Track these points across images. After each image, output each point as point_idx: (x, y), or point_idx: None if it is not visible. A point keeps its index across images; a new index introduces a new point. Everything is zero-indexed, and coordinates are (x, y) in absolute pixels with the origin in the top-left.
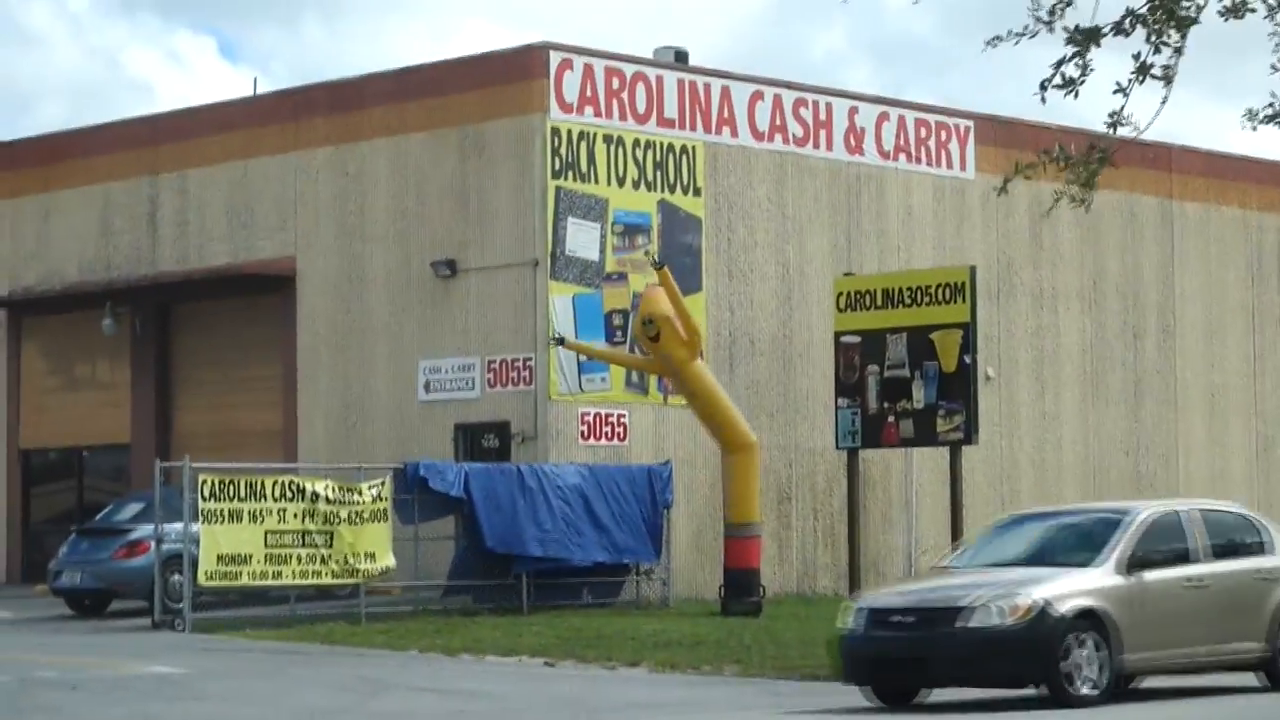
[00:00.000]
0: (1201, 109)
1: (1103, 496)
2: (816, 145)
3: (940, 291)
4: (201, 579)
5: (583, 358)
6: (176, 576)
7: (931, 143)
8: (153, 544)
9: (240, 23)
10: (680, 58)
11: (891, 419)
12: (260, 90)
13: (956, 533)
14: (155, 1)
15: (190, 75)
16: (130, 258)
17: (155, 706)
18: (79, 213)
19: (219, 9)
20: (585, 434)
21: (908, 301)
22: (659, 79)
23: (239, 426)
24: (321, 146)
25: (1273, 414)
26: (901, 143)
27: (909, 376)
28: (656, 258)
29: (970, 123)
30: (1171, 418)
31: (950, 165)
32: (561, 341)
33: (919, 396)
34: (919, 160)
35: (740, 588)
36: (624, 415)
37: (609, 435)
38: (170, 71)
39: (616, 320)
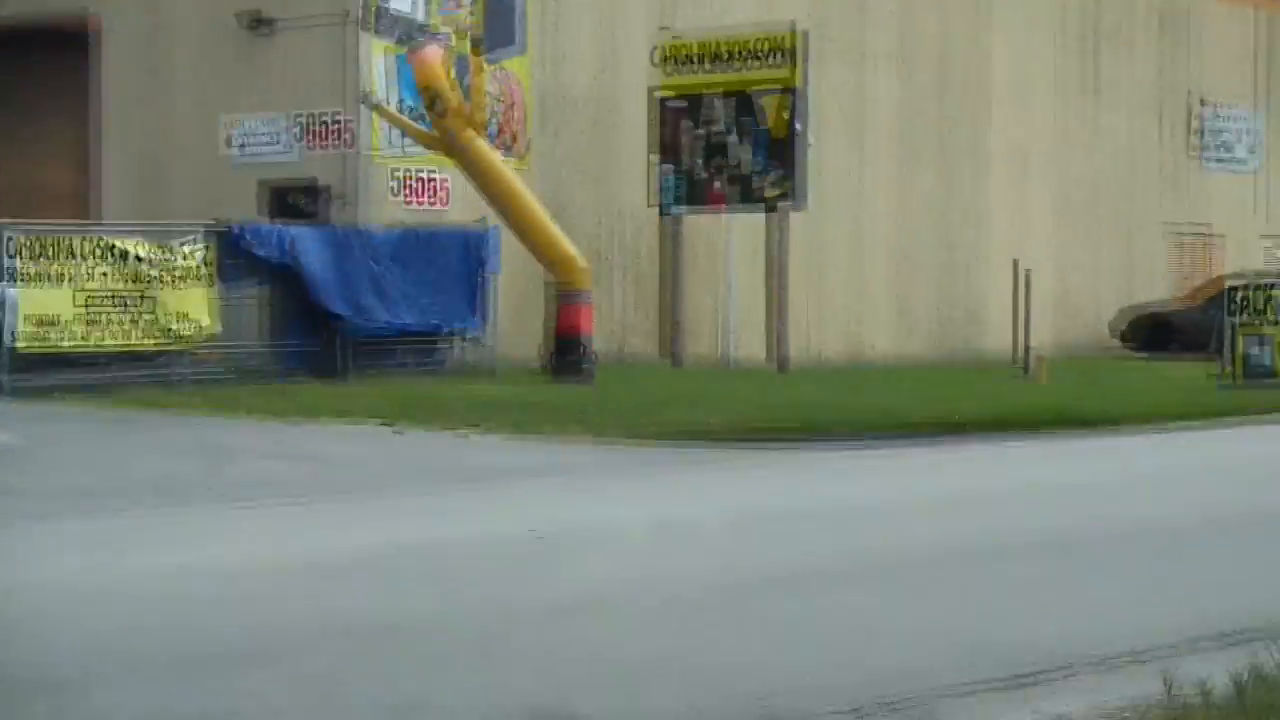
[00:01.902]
0: None
1: (914, 261)
2: None
3: (765, 51)
4: (17, 343)
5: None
6: None
7: None
8: None
9: None
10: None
11: (717, 182)
12: None
13: (781, 298)
14: None
15: None
16: None
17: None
18: None
19: None
20: (403, 196)
21: (731, 61)
22: None
23: (35, 186)
24: None
25: (1075, 180)
26: None
27: (733, 139)
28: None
29: None
30: (979, 180)
31: None
32: (372, 104)
33: (744, 159)
34: None
35: (567, 350)
36: (447, 179)
37: (428, 198)
38: None
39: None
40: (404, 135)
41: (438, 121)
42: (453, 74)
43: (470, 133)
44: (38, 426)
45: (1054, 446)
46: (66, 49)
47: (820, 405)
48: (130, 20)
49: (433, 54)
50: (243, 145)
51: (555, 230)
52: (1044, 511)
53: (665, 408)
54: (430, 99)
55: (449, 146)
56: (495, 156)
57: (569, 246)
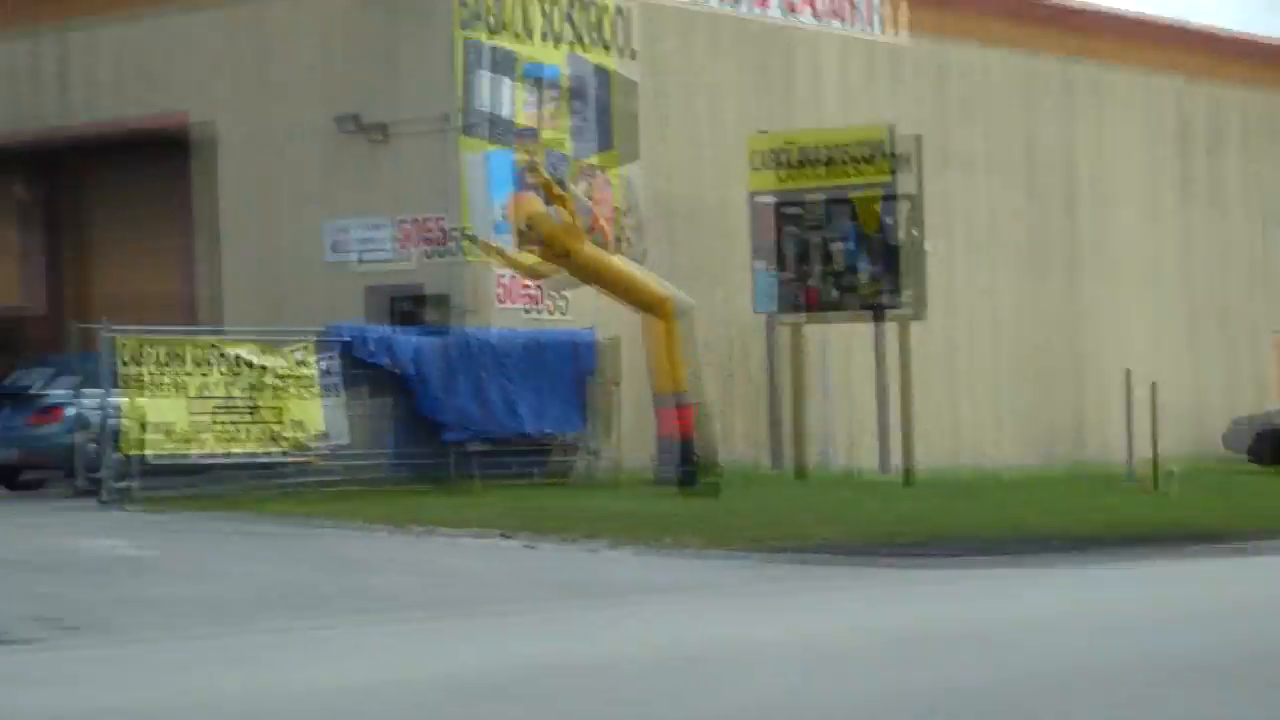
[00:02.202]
0: None
1: (1036, 370)
2: (739, 2)
3: (860, 150)
4: (125, 447)
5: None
6: (92, 445)
7: (862, 4)
8: (68, 410)
9: None
10: None
11: (812, 284)
12: None
13: (891, 407)
14: None
15: None
16: (27, 116)
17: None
18: None
19: None
20: (504, 298)
21: (826, 162)
22: None
23: (145, 292)
24: (227, 2)
25: (1201, 288)
26: (834, 4)
27: (830, 240)
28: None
29: None
30: (1100, 288)
31: (883, 28)
32: (473, 240)
33: (855, 266)
34: (851, 22)
35: (674, 457)
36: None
37: (529, 299)
38: None
39: (529, 177)
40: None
41: (545, 251)
42: (543, 206)
43: (580, 244)
44: (164, 536)
45: (1197, 565)
46: (178, 154)
47: (946, 517)
48: (238, 126)
49: (522, 199)
50: (351, 250)
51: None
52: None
53: (793, 521)
54: (533, 231)
55: (564, 264)
56: (605, 254)
57: (665, 289)
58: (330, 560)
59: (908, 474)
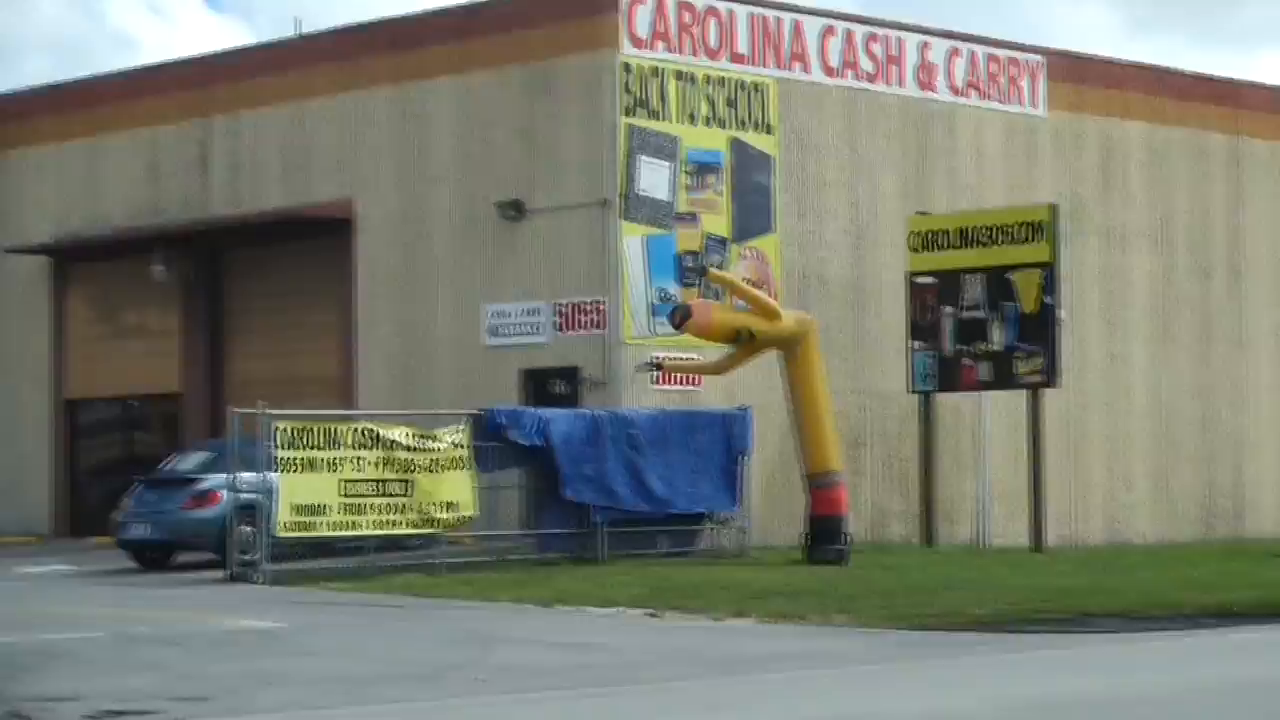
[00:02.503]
0: (1268, 45)
1: (1174, 441)
2: (888, 81)
3: (1020, 230)
4: (279, 530)
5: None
6: (247, 527)
7: (1003, 79)
8: (224, 494)
9: None
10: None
11: (969, 361)
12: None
13: (1037, 478)
14: None
15: (174, 26)
16: (181, 202)
17: (266, 663)
18: (126, 157)
19: None
20: (657, 379)
21: (985, 241)
22: (731, 13)
23: (295, 374)
24: (381, 86)
25: None
26: (973, 79)
27: (987, 318)
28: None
29: (1041, 58)
30: (1240, 359)
31: (1022, 102)
32: (658, 367)
33: (998, 338)
34: (990, 97)
35: (826, 536)
36: (696, 358)
37: (681, 380)
38: (153, 23)
39: (688, 262)
40: (652, 317)
41: (758, 343)
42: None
43: (778, 317)
44: (301, 613)
45: None
46: (330, 237)
47: (1085, 590)
48: (388, 207)
49: (702, 312)
50: (500, 331)
51: (829, 415)
52: None
53: (926, 593)
54: (749, 333)
55: (780, 347)
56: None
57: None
58: (467, 636)
59: (1040, 546)
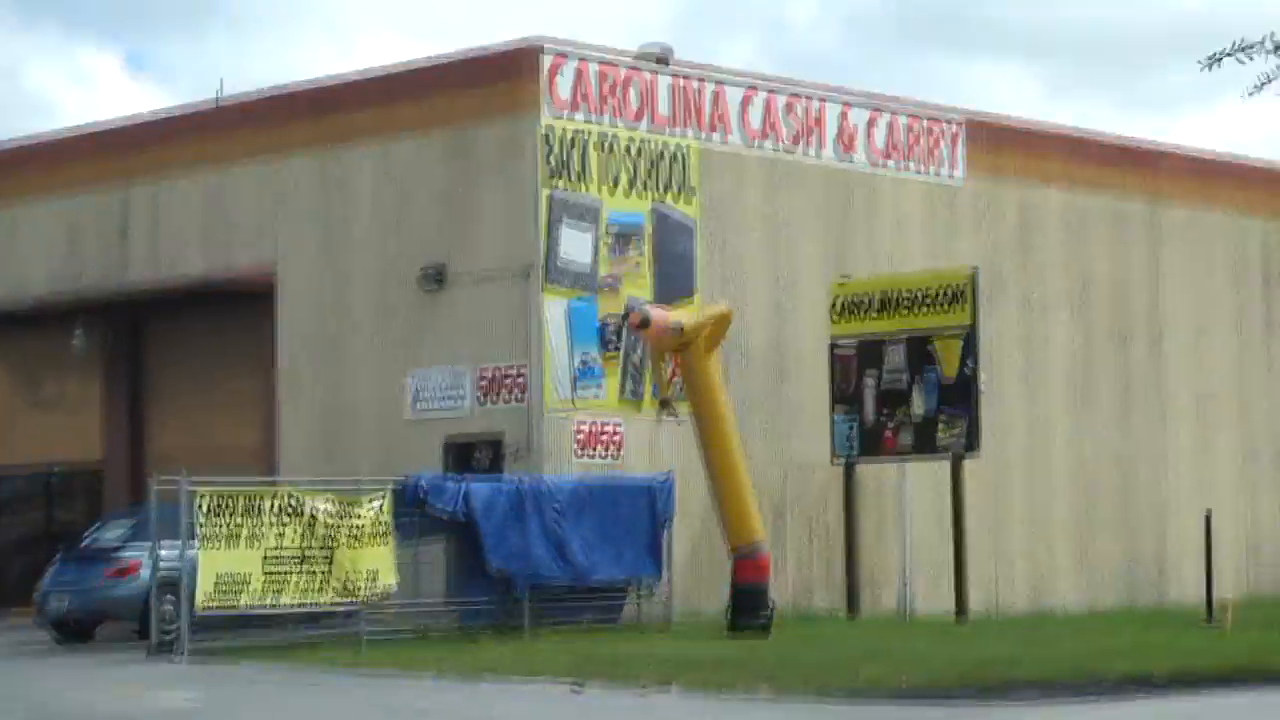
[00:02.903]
0: (1189, 110)
1: (1095, 507)
2: (809, 145)
3: (941, 294)
4: (199, 603)
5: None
6: (169, 600)
7: (922, 144)
8: (145, 566)
9: (145, 36)
10: (662, 56)
11: (891, 428)
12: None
13: (959, 545)
14: (57, 14)
15: (92, 91)
16: (100, 270)
17: None
18: (45, 224)
19: (122, 22)
20: (580, 448)
21: (906, 306)
22: (652, 78)
23: (217, 443)
24: (301, 151)
25: (1259, 422)
26: (893, 145)
27: (908, 384)
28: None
29: (960, 124)
30: (1160, 425)
31: (940, 167)
32: (665, 403)
33: (919, 404)
34: (909, 163)
35: (749, 605)
36: (619, 425)
37: (605, 448)
38: (71, 88)
39: (610, 328)
40: (574, 385)
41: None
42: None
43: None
44: (219, 688)
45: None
46: (251, 304)
47: (1008, 660)
48: (309, 274)
49: (661, 318)
50: (421, 399)
51: (748, 484)
52: None
53: (850, 664)
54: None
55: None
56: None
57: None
58: (387, 712)
59: (961, 614)
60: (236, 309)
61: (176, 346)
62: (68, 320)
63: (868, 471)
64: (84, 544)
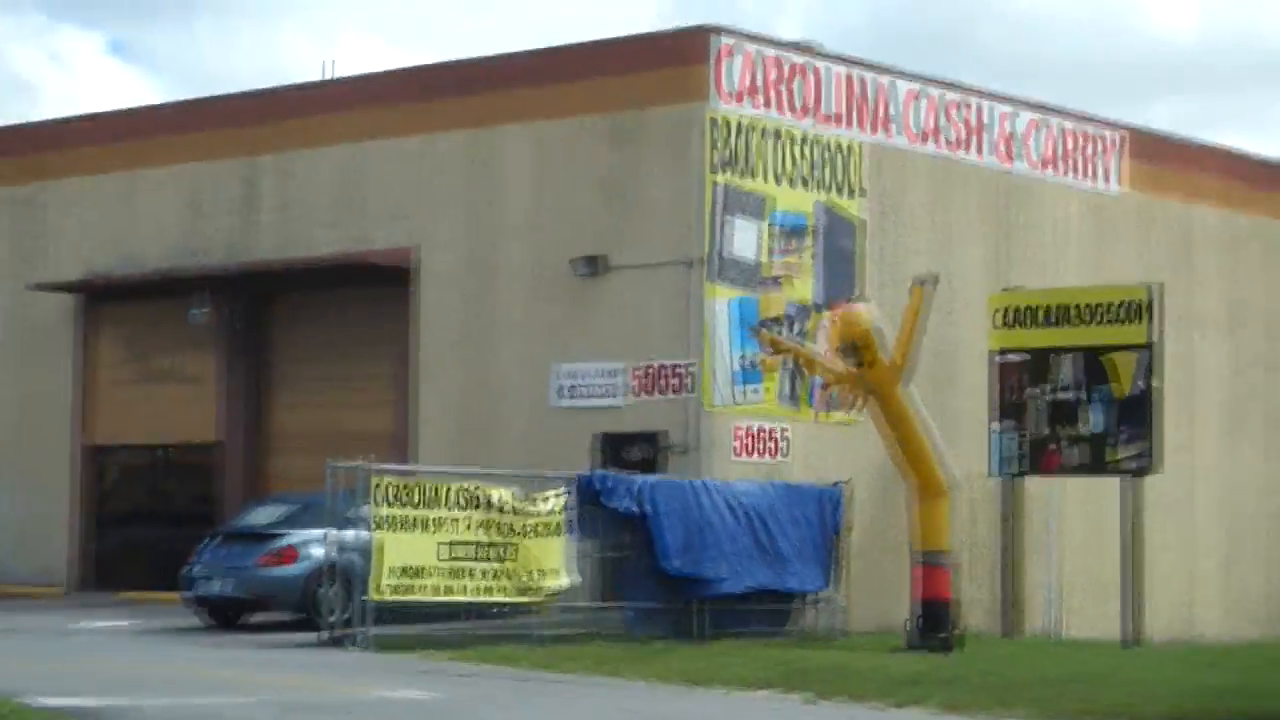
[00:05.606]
0: None
1: (1240, 536)
2: (968, 151)
3: (1119, 310)
4: (374, 593)
5: (759, 359)
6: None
7: (1081, 154)
8: (302, 551)
9: (130, 22)
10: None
11: (1054, 445)
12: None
13: (1138, 568)
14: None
15: (74, 76)
16: (224, 243)
17: None
18: (165, 195)
19: (107, 7)
20: (740, 449)
21: (1078, 320)
22: (821, 70)
23: (343, 428)
24: (450, 130)
25: None
26: (1054, 152)
27: (1077, 399)
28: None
29: (1122, 136)
30: None
31: (1098, 179)
32: (770, 335)
33: (1092, 421)
34: (1069, 172)
35: (934, 621)
36: (786, 430)
37: (766, 451)
38: (54, 72)
39: (772, 329)
40: (734, 385)
41: (867, 372)
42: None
43: (896, 387)
44: (440, 683)
45: None
46: (388, 286)
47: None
48: (467, 261)
49: (863, 308)
50: (571, 390)
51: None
52: None
53: (1073, 688)
54: (856, 351)
55: (873, 395)
56: (911, 411)
57: (945, 471)
58: (629, 716)
59: (1136, 639)
60: (368, 289)
61: (302, 325)
62: (184, 293)
63: (1034, 490)
64: (238, 525)
